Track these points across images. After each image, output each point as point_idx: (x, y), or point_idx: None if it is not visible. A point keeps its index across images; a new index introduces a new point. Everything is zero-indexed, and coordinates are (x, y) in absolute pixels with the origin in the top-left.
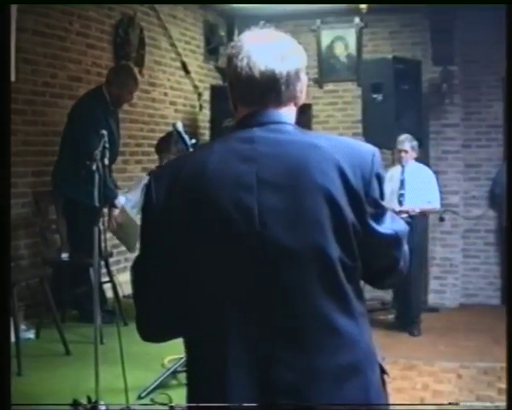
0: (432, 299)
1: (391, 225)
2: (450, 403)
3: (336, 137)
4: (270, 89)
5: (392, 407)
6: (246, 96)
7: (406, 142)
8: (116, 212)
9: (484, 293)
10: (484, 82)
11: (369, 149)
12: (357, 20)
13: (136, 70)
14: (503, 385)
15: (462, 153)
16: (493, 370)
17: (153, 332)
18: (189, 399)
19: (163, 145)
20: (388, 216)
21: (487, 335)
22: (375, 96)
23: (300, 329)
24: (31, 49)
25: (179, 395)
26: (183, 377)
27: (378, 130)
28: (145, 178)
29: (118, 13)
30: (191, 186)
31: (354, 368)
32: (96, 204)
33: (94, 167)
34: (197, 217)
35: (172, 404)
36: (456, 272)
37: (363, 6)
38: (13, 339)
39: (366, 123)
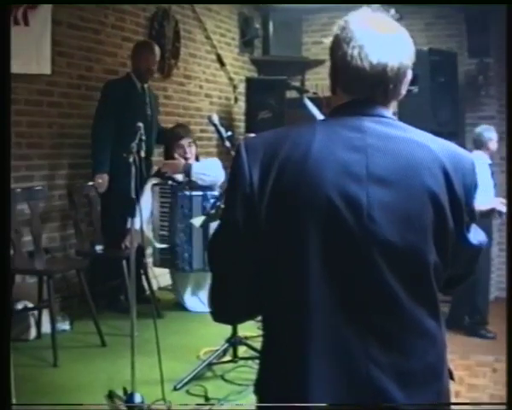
0: None
1: (476, 235)
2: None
3: (440, 140)
4: (378, 83)
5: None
6: (351, 84)
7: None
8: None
9: None
10: None
11: (469, 156)
12: (392, 11)
13: (154, 44)
14: None
15: (498, 145)
16: None
17: (229, 312)
18: (264, 385)
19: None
20: (474, 227)
21: None
22: (410, 88)
23: (393, 329)
24: (66, 42)
25: (215, 387)
26: (218, 369)
27: (414, 122)
28: (150, 181)
29: (153, 6)
30: (292, 167)
31: (434, 371)
32: (133, 196)
33: (131, 160)
34: (297, 200)
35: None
36: (491, 266)
37: None
38: (49, 330)
39: (402, 115)
